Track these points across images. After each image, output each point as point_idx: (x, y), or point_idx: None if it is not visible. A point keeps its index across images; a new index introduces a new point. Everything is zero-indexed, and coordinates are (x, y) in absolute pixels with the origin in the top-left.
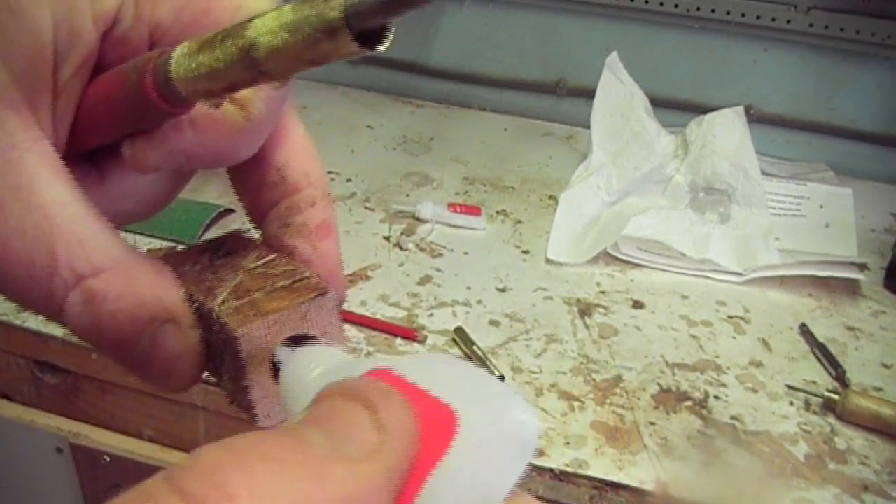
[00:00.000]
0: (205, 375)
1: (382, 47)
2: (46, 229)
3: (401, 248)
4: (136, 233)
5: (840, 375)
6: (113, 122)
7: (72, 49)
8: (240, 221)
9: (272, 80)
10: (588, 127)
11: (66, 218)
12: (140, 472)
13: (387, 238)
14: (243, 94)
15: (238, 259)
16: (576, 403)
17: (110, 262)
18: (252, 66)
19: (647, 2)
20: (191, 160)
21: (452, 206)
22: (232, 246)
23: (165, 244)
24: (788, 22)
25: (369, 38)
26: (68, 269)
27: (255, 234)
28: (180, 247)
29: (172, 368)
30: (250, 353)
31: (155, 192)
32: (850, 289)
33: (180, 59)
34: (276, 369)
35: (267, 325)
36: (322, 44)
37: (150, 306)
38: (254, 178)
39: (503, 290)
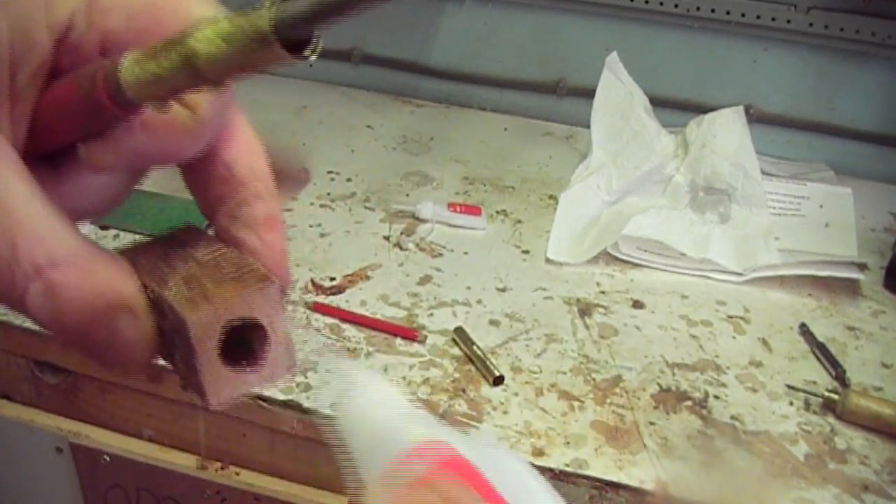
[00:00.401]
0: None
1: (310, 55)
2: (9, 225)
3: (401, 248)
4: (136, 232)
5: (840, 375)
6: (68, 125)
7: (27, 56)
8: None
9: (212, 85)
10: (588, 127)
11: (27, 214)
12: (140, 472)
13: (387, 238)
14: (191, 97)
15: (190, 250)
16: (576, 403)
17: (69, 255)
18: (193, 73)
19: (647, 2)
20: (142, 159)
21: (452, 206)
22: (185, 238)
23: None
24: (788, 22)
25: (299, 46)
26: (29, 262)
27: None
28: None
29: (129, 355)
30: (199, 338)
31: (110, 190)
32: (850, 289)
33: (129, 66)
34: (223, 352)
35: (214, 310)
36: (254, 52)
37: (107, 296)
38: (204, 174)
39: (503, 290)
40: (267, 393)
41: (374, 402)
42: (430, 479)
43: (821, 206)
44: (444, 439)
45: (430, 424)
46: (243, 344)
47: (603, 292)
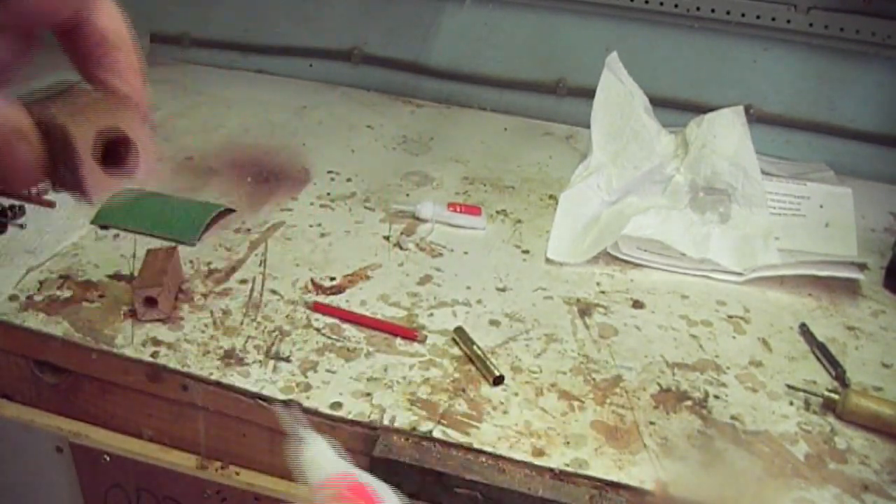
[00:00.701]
0: None
1: None
2: None
3: (401, 248)
4: (137, 233)
5: (840, 375)
6: None
7: None
8: (239, 221)
9: None
10: (588, 127)
11: None
12: (140, 471)
13: (387, 238)
14: None
15: (72, 95)
16: (576, 403)
17: None
18: None
19: (647, 2)
20: (27, 19)
21: (452, 206)
22: (68, 90)
23: (166, 244)
24: (788, 22)
25: None
26: None
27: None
28: (181, 246)
29: (24, 172)
30: (82, 147)
31: (4, 53)
32: (850, 288)
33: None
34: (101, 161)
35: (92, 125)
36: None
37: (5, 126)
38: (82, 39)
39: (503, 290)
40: (267, 393)
41: (317, 452)
42: (339, 496)
43: (821, 206)
44: (352, 473)
45: (346, 466)
46: (117, 159)
47: (603, 292)
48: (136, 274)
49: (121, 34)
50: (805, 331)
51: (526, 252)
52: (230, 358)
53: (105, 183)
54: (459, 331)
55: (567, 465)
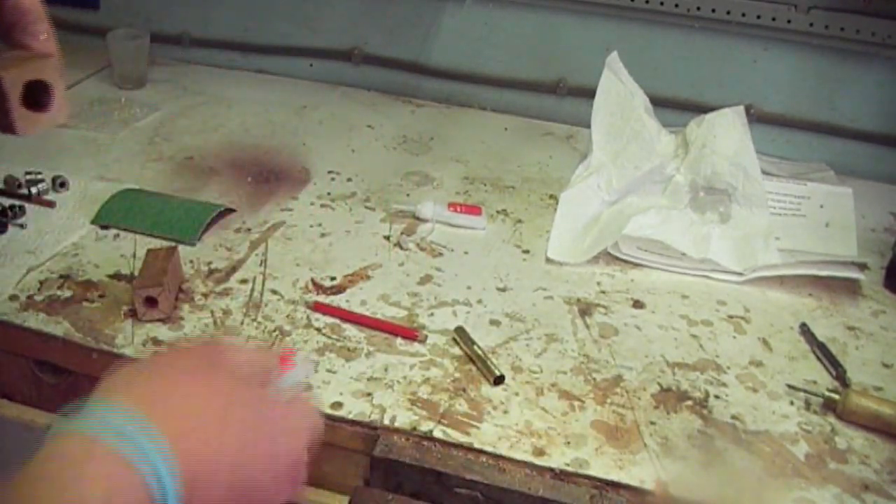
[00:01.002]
0: None
1: None
2: None
3: (401, 248)
4: (137, 233)
5: (840, 375)
6: None
7: None
8: (240, 221)
9: None
10: (588, 127)
11: None
12: None
13: (387, 238)
14: None
15: (1, 54)
16: (576, 403)
17: None
18: None
19: (647, 2)
20: None
21: (453, 206)
22: None
23: (166, 244)
24: (788, 22)
25: None
26: None
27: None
28: (181, 246)
29: None
30: (9, 88)
31: None
32: (850, 288)
33: None
34: (25, 102)
35: (18, 71)
36: None
37: None
38: (9, 14)
39: (503, 290)
40: None
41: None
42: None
43: (821, 206)
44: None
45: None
46: (37, 103)
47: (603, 292)
48: (136, 274)
49: (37, 7)
50: (805, 331)
51: (526, 252)
52: None
53: (31, 120)
54: (460, 330)
55: (567, 464)
